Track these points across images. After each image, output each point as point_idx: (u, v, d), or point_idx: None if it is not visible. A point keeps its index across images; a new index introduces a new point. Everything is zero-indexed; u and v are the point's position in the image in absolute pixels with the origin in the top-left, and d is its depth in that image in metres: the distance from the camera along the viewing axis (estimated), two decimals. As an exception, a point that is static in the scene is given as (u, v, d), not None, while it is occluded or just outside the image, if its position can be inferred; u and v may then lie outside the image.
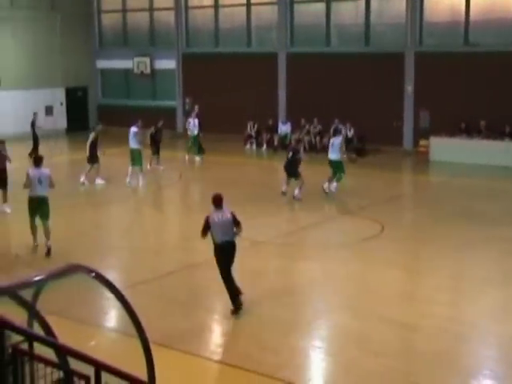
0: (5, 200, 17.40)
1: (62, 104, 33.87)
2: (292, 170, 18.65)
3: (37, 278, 5.38)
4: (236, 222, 10.67)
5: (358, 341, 9.69)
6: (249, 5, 30.46)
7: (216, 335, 10.50)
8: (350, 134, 26.59)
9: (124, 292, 5.96)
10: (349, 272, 13.03)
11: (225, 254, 10.58)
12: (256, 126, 28.86)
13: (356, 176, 23.02)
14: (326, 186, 19.17)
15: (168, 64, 32.73)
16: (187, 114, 27.89)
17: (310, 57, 28.52)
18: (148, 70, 33.36)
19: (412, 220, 17.62)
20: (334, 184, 19.25)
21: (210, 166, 24.83)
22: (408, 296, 11.79)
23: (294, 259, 13.85)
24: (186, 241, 16.00)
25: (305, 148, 26.53)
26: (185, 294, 11.80)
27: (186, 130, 27.34)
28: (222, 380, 8.88)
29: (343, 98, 27.45)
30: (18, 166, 19.08)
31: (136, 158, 21.27)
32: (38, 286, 5.58)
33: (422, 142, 25.75)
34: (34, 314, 5.20)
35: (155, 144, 23.23)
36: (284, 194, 18.80)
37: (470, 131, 24.34)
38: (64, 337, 5.16)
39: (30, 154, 24.29)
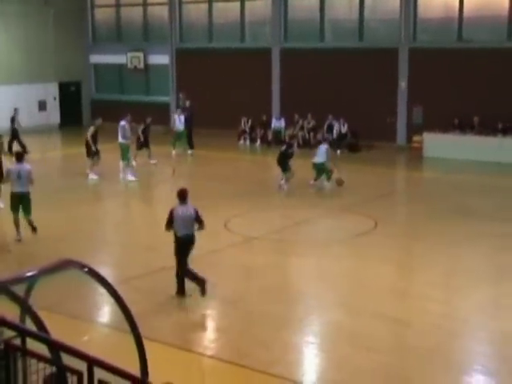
0: None
1: (55, 99, 33.76)
2: (283, 163, 19.12)
3: (29, 274, 5.37)
4: (198, 219, 11.13)
5: (351, 337, 9.71)
6: (242, 0, 30.41)
7: (209, 330, 10.50)
8: (344, 129, 26.60)
9: (117, 287, 5.96)
10: (342, 268, 13.05)
11: (184, 246, 11.06)
12: (250, 121, 28.82)
13: (349, 172, 23.03)
14: (311, 182, 19.61)
15: (162, 59, 32.65)
16: (185, 109, 27.88)
17: (303, 52, 28.50)
18: (141, 65, 33.28)
19: (405, 216, 17.66)
20: (325, 183, 19.61)
21: (204, 161, 24.81)
22: (401, 292, 11.82)
23: (287, 255, 13.87)
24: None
25: (298, 143, 26.56)
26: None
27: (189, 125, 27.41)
28: (215, 375, 8.88)
29: (337, 94, 27.45)
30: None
31: (123, 152, 21.25)
32: (31, 282, 5.58)
33: (416, 138, 25.79)
34: (26, 310, 5.19)
35: (144, 140, 23.19)
36: (281, 187, 19.20)
37: (464, 127, 24.40)
38: (56, 332, 5.15)
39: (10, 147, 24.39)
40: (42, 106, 33.13)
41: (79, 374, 4.26)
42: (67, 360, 4.46)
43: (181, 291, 11.23)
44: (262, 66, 29.50)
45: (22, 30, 31.96)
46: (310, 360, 9.34)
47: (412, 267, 13.35)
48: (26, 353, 4.49)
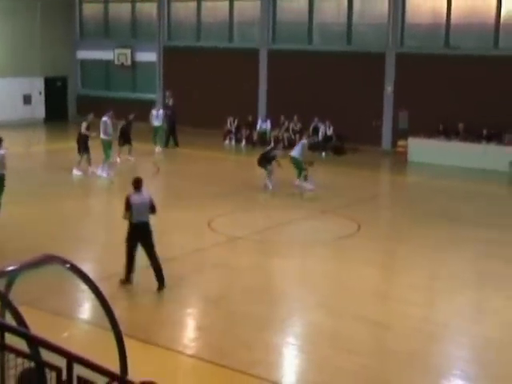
0: None
1: (40, 93, 33.56)
2: (263, 163, 19.34)
3: (10, 268, 5.33)
4: (152, 207, 11.43)
5: (332, 338, 9.72)
6: (232, 0, 30.40)
7: (190, 329, 10.47)
8: (330, 132, 26.65)
9: (98, 284, 5.93)
10: (324, 270, 13.07)
11: (139, 234, 11.33)
12: (236, 121, 28.80)
13: (334, 174, 23.11)
14: (297, 182, 19.59)
15: (149, 56, 32.56)
16: (166, 107, 27.90)
17: (291, 54, 28.52)
18: (129, 62, 33.16)
19: (388, 219, 17.71)
20: (304, 183, 19.51)
21: (189, 159, 24.77)
22: (382, 295, 11.85)
23: (270, 256, 13.86)
24: (162, 234, 15.93)
25: (284, 145, 26.56)
26: (160, 288, 11.74)
27: (165, 122, 27.42)
28: (195, 374, 8.86)
29: (323, 96, 27.50)
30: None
31: (104, 148, 21.16)
32: (12, 276, 5.53)
33: (401, 143, 25.88)
34: (6, 304, 5.14)
35: (125, 136, 23.13)
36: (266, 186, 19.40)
37: (448, 133, 24.52)
38: (36, 328, 5.11)
39: None
40: (27, 99, 32.93)
41: (58, 370, 4.22)
42: (46, 356, 4.42)
43: (161, 284, 11.34)
44: (249, 67, 29.51)
45: (9, 24, 31.74)
46: (291, 361, 9.34)
47: (394, 270, 13.40)
48: (5, 347, 4.44)
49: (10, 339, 4.45)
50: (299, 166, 19.52)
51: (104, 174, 20.87)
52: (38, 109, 33.50)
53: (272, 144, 21.07)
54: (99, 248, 14.40)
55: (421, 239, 14.87)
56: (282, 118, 27.61)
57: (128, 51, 33.05)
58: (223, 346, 9.37)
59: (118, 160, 22.90)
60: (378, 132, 27.09)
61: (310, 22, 28.59)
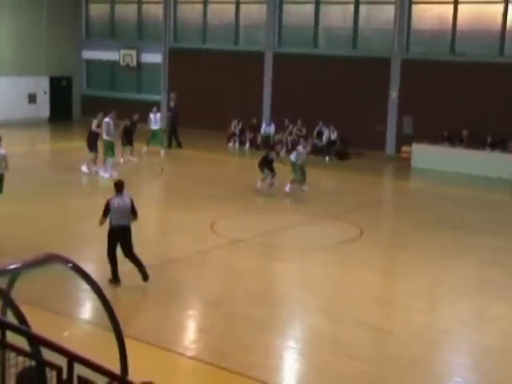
0: None
1: (45, 93, 33.62)
2: (262, 165, 19.45)
3: (12, 266, 5.32)
4: (133, 210, 11.49)
5: (332, 343, 9.71)
6: (238, 2, 30.45)
7: (190, 331, 10.46)
8: (334, 136, 26.65)
9: (100, 284, 5.92)
10: (326, 274, 13.05)
11: (118, 236, 11.37)
12: (240, 124, 28.82)
13: (337, 179, 23.12)
14: (304, 188, 19.64)
15: (154, 58, 32.61)
16: (170, 109, 27.97)
17: (296, 58, 28.54)
18: (134, 63, 33.21)
19: (391, 225, 17.69)
20: (288, 186, 19.46)
21: (192, 161, 24.77)
22: (384, 301, 11.83)
23: (272, 259, 13.86)
24: (165, 235, 15.97)
25: (287, 148, 26.61)
26: (161, 289, 11.74)
27: (167, 124, 27.52)
28: (195, 376, 8.85)
29: (328, 100, 27.51)
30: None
31: (106, 148, 21.21)
32: (14, 274, 5.53)
33: (405, 148, 25.88)
34: (7, 302, 5.13)
35: (128, 137, 23.16)
36: (272, 184, 19.54)
37: (453, 140, 24.51)
38: (38, 327, 5.11)
39: None
40: (32, 98, 32.99)
41: (59, 370, 4.22)
42: (47, 355, 4.42)
43: (145, 276, 11.46)
44: (254, 70, 29.53)
45: (15, 22, 31.82)
46: (291, 365, 9.32)
47: (396, 276, 13.37)
48: (6, 346, 4.44)
49: (11, 337, 4.45)
50: (294, 170, 19.66)
51: (106, 175, 20.89)
52: (43, 108, 33.55)
53: (277, 147, 21.21)
54: (102, 248, 14.32)
55: (424, 246, 14.85)
56: (287, 121, 27.61)
57: (133, 52, 33.10)
58: (223, 348, 9.37)
59: (122, 160, 22.92)
60: (382, 137, 27.08)
61: (316, 25, 28.62)
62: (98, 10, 35.24)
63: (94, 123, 21.38)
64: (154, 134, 25.52)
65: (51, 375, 4.32)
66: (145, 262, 11.67)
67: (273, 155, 19.89)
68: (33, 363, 4.42)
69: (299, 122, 27.34)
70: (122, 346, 5.68)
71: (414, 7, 26.56)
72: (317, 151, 26.49)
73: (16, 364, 4.41)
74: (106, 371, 4.18)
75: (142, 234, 15.78)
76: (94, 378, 4.29)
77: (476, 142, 23.90)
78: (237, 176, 23.32)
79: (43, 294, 10.58)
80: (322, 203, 18.72)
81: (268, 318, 10.53)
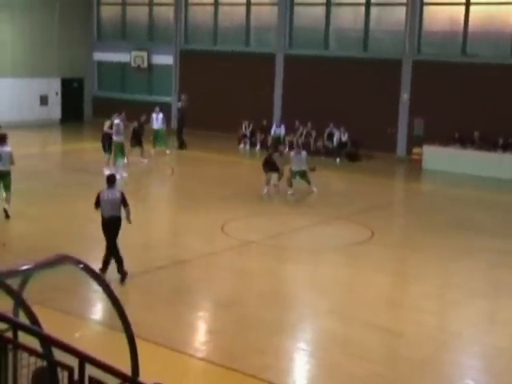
0: None
1: (57, 94, 33.76)
2: (266, 167, 19.46)
3: (24, 267, 5.35)
4: (124, 203, 11.94)
5: (343, 345, 9.69)
6: (249, 4, 30.47)
7: (201, 333, 10.47)
8: (344, 138, 26.61)
9: (111, 285, 5.95)
10: (337, 276, 13.03)
11: (110, 228, 11.87)
12: (251, 125, 28.83)
13: (348, 181, 23.08)
14: (313, 189, 19.66)
15: (165, 59, 32.68)
16: (180, 111, 28.07)
17: (307, 59, 28.53)
18: (145, 65, 33.31)
19: (402, 227, 17.64)
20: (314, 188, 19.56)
21: (203, 163, 24.80)
22: (395, 302, 11.80)
23: (283, 261, 13.85)
24: (175, 237, 16.00)
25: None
26: (172, 290, 11.77)
27: (178, 125, 27.64)
28: (205, 378, 8.86)
29: (339, 102, 27.47)
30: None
31: (116, 149, 21.27)
32: (26, 275, 5.55)
33: (416, 150, 25.81)
34: (20, 303, 5.16)
35: (137, 138, 23.22)
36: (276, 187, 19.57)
37: (464, 141, 24.41)
38: (49, 327, 5.13)
39: None
40: (44, 100, 33.15)
41: (70, 370, 4.23)
42: (58, 355, 4.43)
43: (124, 277, 11.75)
44: (265, 72, 29.52)
45: (27, 24, 31.98)
46: (302, 366, 9.31)
47: (407, 278, 13.33)
48: (18, 346, 4.46)
49: (24, 338, 4.47)
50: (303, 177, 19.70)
51: (117, 176, 20.93)
52: (55, 110, 33.70)
53: (281, 147, 21.11)
54: (112, 249, 14.42)
55: (435, 248, 14.80)
56: (297, 123, 27.60)
57: (144, 54, 33.19)
58: (234, 349, 9.37)
59: (126, 161, 22.96)
60: (393, 139, 27.01)
61: (327, 27, 28.59)
62: (109, 12, 35.38)
63: (107, 124, 21.51)
64: (156, 134, 25.62)
65: (63, 375, 4.34)
66: (156, 263, 11.69)
67: (276, 157, 19.69)
68: (44, 363, 4.44)
69: (309, 124, 27.32)
70: (133, 346, 5.70)
71: (426, 8, 26.48)
72: (327, 153, 26.50)
73: (28, 364, 4.43)
74: (117, 372, 4.19)
75: (152, 236, 15.86)
76: (104, 378, 4.30)
77: (487, 143, 23.80)
78: (247, 178, 23.30)
79: (54, 295, 10.62)
80: (332, 205, 18.69)
81: (279, 319, 10.52)
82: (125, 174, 21.21)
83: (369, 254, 14.19)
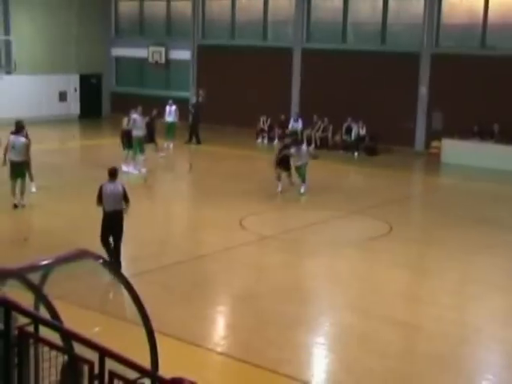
0: (31, 179, 17.58)
1: (75, 90, 33.95)
2: (276, 163, 19.06)
3: (45, 262, 5.42)
4: (125, 197, 11.94)
5: (362, 340, 9.69)
6: (266, -2, 30.44)
7: (220, 327, 10.52)
8: (363, 132, 26.51)
9: (130, 280, 5.99)
10: (355, 270, 13.02)
11: (111, 221, 11.84)
12: (269, 120, 28.82)
13: (366, 175, 23.01)
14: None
15: (183, 55, 32.73)
16: (194, 106, 28.12)
17: (325, 53, 28.43)
18: (163, 60, 33.38)
19: (421, 221, 17.57)
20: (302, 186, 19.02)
21: (221, 157, 24.84)
22: (413, 297, 11.78)
23: (301, 255, 13.86)
24: (193, 231, 16.06)
25: (316, 144, 26.56)
26: (190, 285, 11.82)
27: (193, 120, 27.68)
28: (225, 372, 8.90)
29: (357, 96, 27.37)
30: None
31: (135, 145, 21.32)
32: (46, 270, 5.62)
33: (434, 144, 25.67)
34: (40, 298, 5.22)
35: (149, 133, 23.20)
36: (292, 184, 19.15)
37: (483, 135, 24.23)
38: (69, 321, 5.18)
39: None
40: (63, 96, 33.34)
41: (90, 364, 4.28)
42: (78, 349, 4.48)
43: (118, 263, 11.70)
44: (282, 66, 29.47)
45: (46, 21, 32.18)
46: (320, 361, 9.33)
47: (425, 273, 13.27)
48: (39, 340, 4.52)
49: (45, 332, 4.52)
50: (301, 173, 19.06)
51: (135, 171, 21.07)
52: (73, 106, 33.89)
53: (287, 141, 20.20)
54: (132, 244, 14.49)
55: (452, 242, 14.72)
56: (315, 117, 27.53)
57: (162, 49, 33.27)
58: (253, 344, 9.40)
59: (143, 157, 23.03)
60: (412, 133, 26.88)
61: (345, 21, 28.47)
62: (127, 8, 35.49)
63: (125, 121, 21.57)
64: (168, 127, 25.69)
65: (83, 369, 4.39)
66: (175, 258, 11.74)
67: (284, 153, 19.05)
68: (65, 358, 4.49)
69: (326, 119, 27.22)
70: (153, 341, 5.74)
71: (444, 1, 26.27)
72: (345, 147, 26.43)
73: (49, 358, 4.48)
74: (137, 366, 4.24)
75: (171, 230, 15.93)
76: (124, 372, 4.35)
77: (507, 136, 23.59)
78: (266, 172, 23.21)
79: (75, 290, 10.70)
80: (350, 199, 18.64)
81: (297, 314, 10.54)
82: (144, 170, 21.30)
83: (387, 249, 14.16)
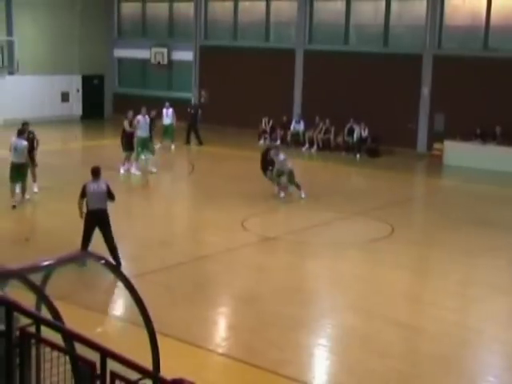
0: (34, 180, 17.67)
1: (78, 91, 33.98)
2: (263, 166, 19.00)
3: (46, 263, 5.42)
4: (110, 194, 12.05)
5: (363, 341, 9.68)
6: (268, 0, 30.42)
7: (221, 328, 10.51)
8: (365, 133, 26.49)
9: (131, 281, 5.99)
10: (356, 272, 13.01)
11: (95, 220, 11.87)
12: (271, 121, 28.81)
13: (368, 177, 22.99)
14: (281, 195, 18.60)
15: (185, 56, 32.75)
16: (194, 107, 28.13)
17: (327, 55, 28.43)
18: (165, 61, 33.39)
19: (422, 223, 17.55)
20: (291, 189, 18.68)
21: (223, 159, 24.84)
22: (415, 298, 11.76)
23: (303, 256, 13.85)
24: (195, 232, 16.05)
25: (318, 146, 26.56)
26: (192, 286, 11.82)
27: (191, 121, 27.69)
28: (226, 373, 8.89)
29: (359, 97, 27.36)
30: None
31: (138, 145, 21.33)
32: (48, 271, 5.62)
33: (437, 146, 25.64)
34: (42, 298, 5.23)
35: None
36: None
37: (485, 137, 24.20)
38: (70, 322, 5.18)
39: None
40: (65, 97, 33.38)
41: (92, 365, 4.28)
42: (80, 350, 4.48)
43: (118, 263, 11.60)
44: (284, 67, 29.47)
45: (48, 21, 32.21)
46: (322, 362, 9.32)
47: (427, 274, 13.27)
48: (41, 340, 4.52)
49: (46, 332, 4.52)
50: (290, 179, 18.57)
51: (138, 172, 21.08)
52: (75, 106, 33.93)
53: (276, 143, 19.59)
54: (134, 245, 14.51)
55: (454, 244, 14.71)
56: (317, 118, 27.52)
57: (165, 50, 33.28)
58: (254, 345, 9.39)
59: (144, 157, 23.03)
60: (414, 134, 26.86)
61: (347, 22, 28.47)
62: (129, 9, 35.51)
63: (126, 123, 21.50)
64: (165, 129, 25.72)
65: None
66: (177, 259, 11.74)
67: (271, 157, 18.71)
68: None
69: (328, 120, 27.20)
70: (154, 342, 5.75)
71: (447, 2, 26.26)
72: (348, 149, 26.41)
73: (51, 359, 4.48)
74: (139, 367, 4.23)
75: (173, 231, 15.93)
76: (125, 373, 4.34)
77: (509, 138, 23.56)
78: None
79: (76, 290, 10.71)
80: (352, 201, 18.63)
81: (299, 315, 10.53)
82: (154, 170, 21.35)
83: (389, 250, 14.15)
